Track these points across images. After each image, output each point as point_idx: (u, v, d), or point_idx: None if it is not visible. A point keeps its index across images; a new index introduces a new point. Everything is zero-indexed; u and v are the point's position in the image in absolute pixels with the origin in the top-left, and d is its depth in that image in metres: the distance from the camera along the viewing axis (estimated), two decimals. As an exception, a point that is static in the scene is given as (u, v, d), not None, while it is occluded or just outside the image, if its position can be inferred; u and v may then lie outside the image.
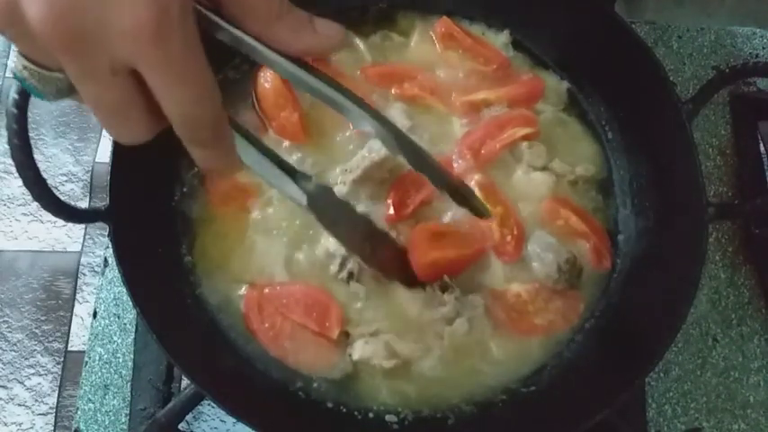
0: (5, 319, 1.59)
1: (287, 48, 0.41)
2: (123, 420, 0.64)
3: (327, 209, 0.47)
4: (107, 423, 0.64)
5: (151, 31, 0.31)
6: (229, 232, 0.64)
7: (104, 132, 1.79)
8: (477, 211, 0.56)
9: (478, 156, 0.67)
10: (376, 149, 0.63)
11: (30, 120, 0.48)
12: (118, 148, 0.58)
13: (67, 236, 1.68)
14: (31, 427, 1.50)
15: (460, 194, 0.54)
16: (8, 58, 1.87)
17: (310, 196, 0.44)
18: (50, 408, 1.52)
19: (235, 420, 0.58)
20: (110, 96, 0.34)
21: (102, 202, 0.56)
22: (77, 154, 1.77)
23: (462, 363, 0.61)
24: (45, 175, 0.49)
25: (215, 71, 0.67)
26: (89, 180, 1.75)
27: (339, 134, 0.68)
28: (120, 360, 0.66)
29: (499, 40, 0.74)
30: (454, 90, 0.70)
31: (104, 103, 0.35)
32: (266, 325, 0.60)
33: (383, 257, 0.57)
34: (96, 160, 1.77)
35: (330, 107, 0.45)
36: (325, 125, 0.68)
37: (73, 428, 0.64)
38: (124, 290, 0.57)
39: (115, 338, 0.67)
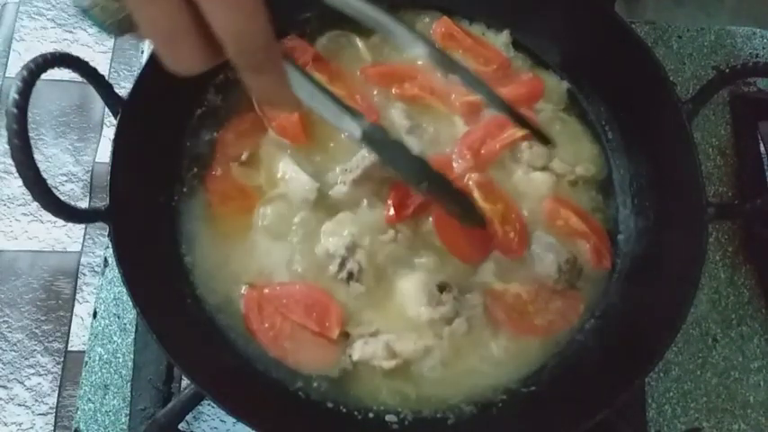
0: (5, 319, 1.59)
1: None
2: (123, 420, 0.64)
3: (381, 146, 0.49)
4: (107, 423, 0.64)
5: None
6: (229, 232, 0.64)
7: (104, 132, 1.80)
8: (541, 135, 0.57)
9: (478, 156, 0.67)
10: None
11: (30, 120, 0.48)
12: (118, 148, 0.58)
13: (67, 236, 1.68)
14: (31, 427, 1.50)
15: (521, 118, 0.56)
16: (8, 57, 1.87)
17: (365, 131, 0.46)
18: (50, 408, 1.52)
19: (235, 420, 0.58)
20: (165, 21, 0.36)
21: (102, 202, 0.56)
22: (77, 154, 1.77)
23: (462, 363, 0.61)
24: (45, 175, 0.49)
25: (215, 73, 0.68)
26: (89, 180, 1.75)
27: (339, 134, 0.68)
28: (120, 360, 0.66)
29: (499, 40, 0.74)
30: (454, 90, 0.70)
31: (161, 28, 0.37)
32: (266, 325, 0.60)
33: (442, 198, 0.56)
34: (96, 160, 1.77)
35: (379, 31, 0.47)
36: (325, 125, 0.68)
37: (73, 428, 0.64)
38: (124, 290, 0.57)
39: (115, 338, 0.67)
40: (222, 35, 0.37)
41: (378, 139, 0.48)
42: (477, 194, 0.64)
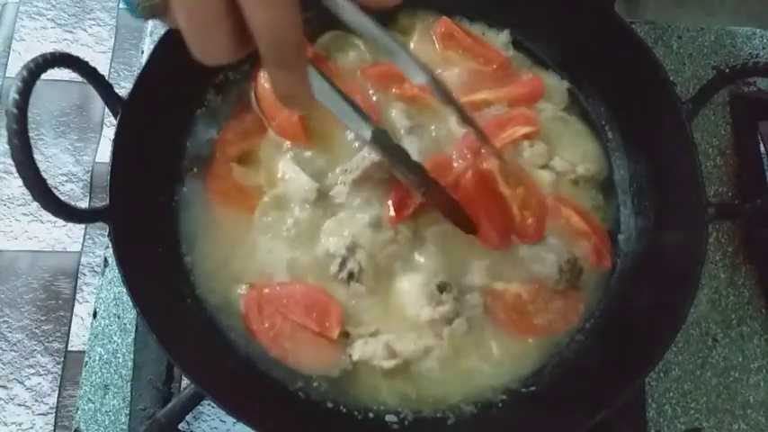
0: (5, 319, 1.59)
1: None
2: (123, 420, 0.64)
3: (387, 149, 0.52)
4: (107, 423, 0.64)
5: None
6: (229, 232, 0.64)
7: (104, 132, 1.80)
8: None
9: (479, 155, 0.67)
10: (376, 149, 0.63)
11: (30, 120, 0.48)
12: (118, 148, 0.58)
13: (67, 236, 1.68)
14: (31, 427, 1.50)
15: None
16: (8, 57, 1.87)
17: (374, 134, 0.49)
18: (50, 408, 1.52)
19: (235, 420, 0.58)
20: (202, 11, 0.37)
21: (102, 202, 0.56)
22: (77, 154, 1.77)
23: (462, 363, 0.61)
24: (45, 175, 0.49)
25: (217, 72, 0.67)
26: (89, 180, 1.75)
27: (339, 134, 0.68)
28: (120, 360, 0.66)
29: (499, 39, 0.74)
30: (454, 90, 0.70)
31: (196, 18, 0.37)
32: (266, 325, 0.60)
33: (438, 203, 0.60)
34: (96, 160, 1.77)
35: (388, 57, 0.49)
36: (325, 125, 0.68)
37: (73, 428, 0.64)
38: (124, 290, 0.57)
39: (115, 338, 0.67)
40: (256, 28, 0.37)
41: (384, 142, 0.51)
42: (498, 178, 0.64)
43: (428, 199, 0.59)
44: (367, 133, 0.49)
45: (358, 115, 0.48)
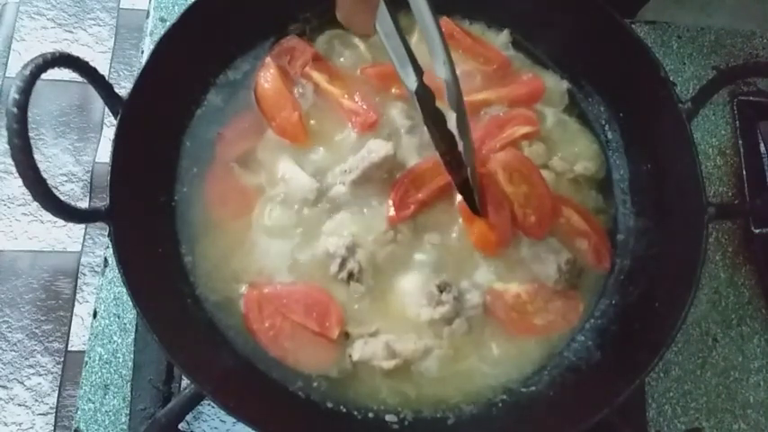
0: (5, 319, 1.59)
1: None
2: (123, 420, 0.64)
3: (425, 106, 0.53)
4: (107, 423, 0.64)
5: None
6: (229, 232, 0.64)
7: (104, 132, 1.79)
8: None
9: (479, 155, 0.67)
10: (375, 150, 0.63)
11: (30, 120, 0.48)
12: (118, 149, 0.58)
13: (67, 236, 1.68)
14: (31, 427, 1.50)
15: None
16: (8, 57, 1.87)
17: (418, 87, 0.51)
18: (50, 408, 1.52)
19: (235, 420, 0.58)
20: None
21: (102, 202, 0.56)
22: (77, 154, 1.77)
23: (462, 363, 0.61)
24: (45, 175, 0.49)
25: (217, 72, 0.67)
26: (89, 180, 1.75)
27: (339, 134, 0.68)
28: (120, 360, 0.66)
29: (499, 39, 0.74)
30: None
31: None
32: (266, 325, 0.60)
33: (457, 175, 0.59)
34: (96, 160, 1.77)
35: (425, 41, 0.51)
36: (324, 125, 0.68)
37: (73, 428, 0.64)
38: (124, 290, 0.57)
39: (115, 338, 0.67)
40: None
41: (426, 99, 0.52)
42: (500, 176, 0.64)
43: (449, 169, 0.59)
44: (413, 84, 0.50)
45: (410, 64, 0.50)
